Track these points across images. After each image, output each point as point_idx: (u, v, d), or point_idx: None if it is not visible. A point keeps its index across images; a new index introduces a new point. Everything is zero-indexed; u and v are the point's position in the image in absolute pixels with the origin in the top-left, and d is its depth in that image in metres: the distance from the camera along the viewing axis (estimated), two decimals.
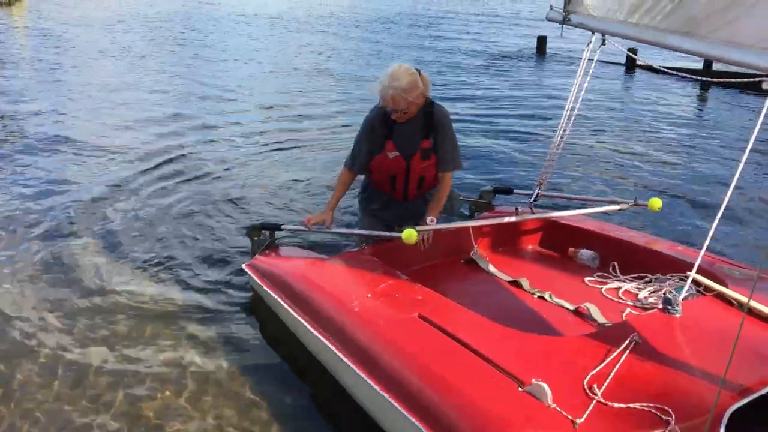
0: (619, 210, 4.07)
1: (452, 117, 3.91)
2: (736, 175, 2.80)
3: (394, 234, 3.57)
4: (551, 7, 3.99)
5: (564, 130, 4.13)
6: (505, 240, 4.09)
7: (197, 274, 4.70)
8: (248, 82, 12.26)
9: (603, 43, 3.78)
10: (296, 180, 6.81)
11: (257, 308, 4.16)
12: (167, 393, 3.42)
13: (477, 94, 11.10)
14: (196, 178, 6.84)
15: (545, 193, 4.32)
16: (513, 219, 3.95)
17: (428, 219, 3.70)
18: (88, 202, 6.02)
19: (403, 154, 3.76)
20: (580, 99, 4.02)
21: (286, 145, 8.17)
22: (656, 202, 3.93)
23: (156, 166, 7.12)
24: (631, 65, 13.69)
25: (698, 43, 2.96)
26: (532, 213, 4.15)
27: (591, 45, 3.84)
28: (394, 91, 3.56)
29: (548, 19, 4.02)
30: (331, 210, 3.93)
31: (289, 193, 6.44)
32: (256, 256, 4.09)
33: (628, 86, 12.46)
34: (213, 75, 12.93)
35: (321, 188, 6.55)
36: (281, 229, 4.15)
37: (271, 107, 10.24)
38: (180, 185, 6.59)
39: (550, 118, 9.56)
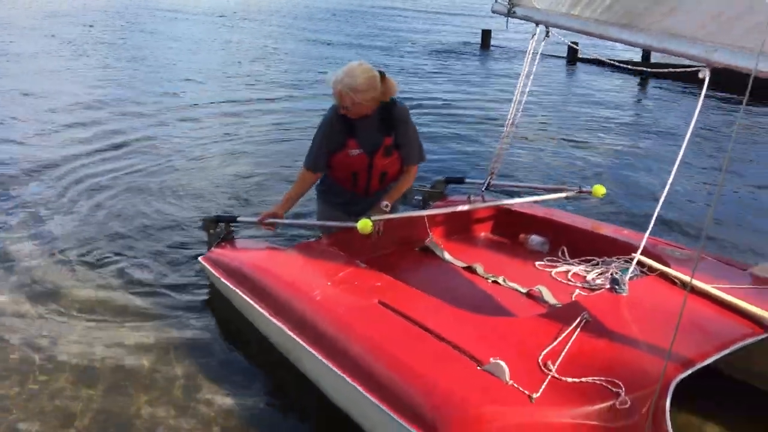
0: (566, 197, 4.20)
1: None
2: (677, 162, 2.97)
3: (349, 224, 3.63)
4: (496, 0, 4.07)
5: (512, 121, 4.25)
6: (459, 228, 4.19)
7: (148, 269, 4.67)
8: (194, 75, 12.10)
9: (547, 35, 3.87)
10: (246, 172, 6.81)
11: (214, 301, 4.17)
12: (124, 389, 3.41)
13: (424, 88, 11.21)
14: (142, 171, 6.78)
15: (495, 181, 4.44)
16: (466, 207, 4.06)
17: (383, 204, 3.76)
18: (24, 200, 5.88)
19: (365, 151, 3.76)
20: (527, 90, 4.14)
21: (233, 137, 8.15)
22: (600, 189, 4.08)
23: (99, 161, 7.02)
24: (572, 58, 14.01)
25: (637, 34, 3.08)
26: (484, 201, 4.28)
27: (536, 37, 3.94)
28: (343, 87, 3.54)
29: (493, 12, 4.09)
30: (285, 209, 3.92)
31: (240, 186, 6.44)
32: (212, 248, 4.10)
33: (571, 78, 12.77)
34: (157, 69, 12.73)
35: (272, 180, 6.58)
36: (237, 221, 4.17)
37: (216, 101, 10.15)
38: (126, 179, 6.52)
39: (496, 110, 9.75)
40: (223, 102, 10.08)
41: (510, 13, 3.94)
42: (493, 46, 16.07)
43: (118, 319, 4.05)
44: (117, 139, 7.85)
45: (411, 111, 3.88)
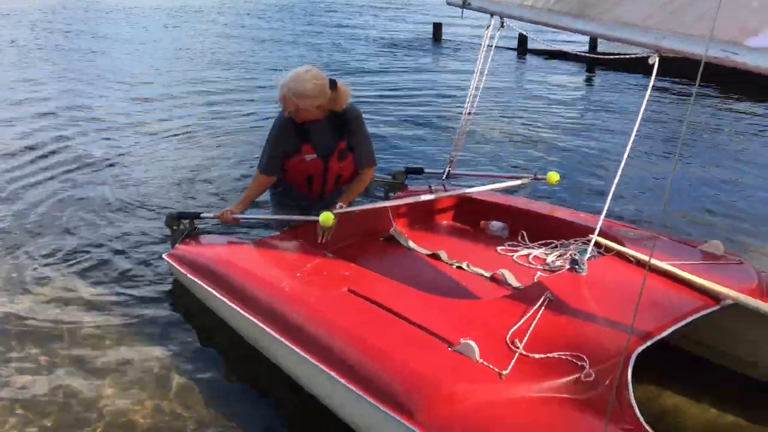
0: (521, 185, 4.32)
1: (354, 104, 4.00)
2: (628, 147, 3.11)
3: (311, 218, 3.68)
4: None
5: (469, 112, 4.35)
6: (421, 217, 4.27)
7: (110, 269, 4.61)
8: (144, 73, 11.91)
9: (502, 26, 3.95)
10: (202, 170, 6.76)
11: (180, 297, 4.16)
12: (93, 392, 3.39)
13: (377, 81, 11.25)
14: (93, 168, 6.71)
15: (455, 171, 4.53)
16: (428, 197, 4.15)
17: (337, 205, 3.78)
18: None
19: (320, 156, 3.79)
20: (483, 80, 4.23)
21: (187, 134, 8.06)
22: (554, 176, 4.20)
23: (49, 161, 6.92)
24: (523, 49, 14.23)
25: (590, 23, 3.17)
26: (445, 190, 4.38)
27: (490, 28, 4.02)
28: (288, 92, 3.54)
29: (449, 4, 4.15)
30: (242, 208, 3.93)
31: (196, 183, 6.39)
32: (177, 245, 4.10)
33: (522, 69, 12.96)
34: (106, 67, 12.48)
35: (227, 178, 6.56)
36: (201, 218, 4.17)
37: (168, 97, 10.01)
38: (77, 178, 6.43)
39: (450, 101, 9.87)
40: (176, 96, 10.00)
41: (465, 5, 4.00)
42: (444, 38, 16.20)
43: (82, 320, 4.01)
44: (62, 143, 7.67)
45: (364, 106, 3.92)
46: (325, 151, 3.79)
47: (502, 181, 4.40)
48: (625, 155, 3.10)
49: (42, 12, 21.57)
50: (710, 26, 2.54)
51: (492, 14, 3.91)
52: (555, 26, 3.43)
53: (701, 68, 2.11)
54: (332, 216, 3.51)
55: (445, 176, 4.44)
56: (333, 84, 3.67)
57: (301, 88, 3.53)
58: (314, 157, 3.78)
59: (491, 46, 4.05)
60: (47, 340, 3.81)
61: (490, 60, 4.12)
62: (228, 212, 3.89)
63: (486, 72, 4.16)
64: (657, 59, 2.86)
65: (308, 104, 3.57)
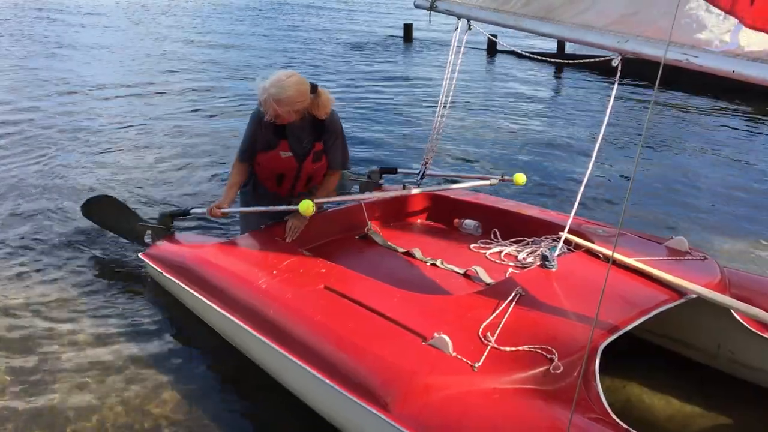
0: (490, 185, 4.40)
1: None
2: (596, 147, 3.21)
3: (292, 207, 3.70)
4: None
5: (441, 115, 4.41)
6: (396, 215, 4.34)
7: (82, 269, 4.61)
8: (109, 73, 11.85)
9: (469, 28, 4.00)
10: (170, 170, 6.79)
11: (157, 296, 4.17)
12: (71, 392, 3.40)
13: (349, 83, 11.31)
14: (56, 166, 6.74)
15: (430, 172, 4.59)
16: (411, 192, 4.21)
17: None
18: None
19: (295, 155, 3.82)
20: (454, 82, 4.30)
21: (153, 133, 8.10)
22: (520, 177, 4.30)
23: (18, 160, 6.90)
24: (491, 50, 14.38)
25: (555, 26, 3.27)
26: (420, 189, 4.46)
27: (458, 30, 4.05)
28: (268, 96, 3.53)
29: (416, 6, 4.19)
30: (229, 199, 3.92)
31: (167, 183, 6.41)
32: (153, 244, 4.11)
33: (491, 69, 13.13)
34: (71, 68, 12.37)
35: (198, 178, 6.61)
36: (190, 214, 4.20)
37: (135, 95, 10.04)
38: (39, 177, 6.44)
39: (421, 100, 9.99)
40: (143, 95, 9.94)
41: (432, 8, 4.05)
42: (415, 39, 16.31)
43: (53, 322, 4.01)
44: (22, 145, 7.63)
45: (336, 105, 3.93)
46: (301, 151, 3.83)
47: (471, 182, 4.48)
48: (593, 156, 3.22)
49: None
50: (667, 30, 2.68)
51: (459, 17, 3.97)
52: (521, 29, 3.50)
53: (660, 70, 2.21)
54: (312, 204, 3.52)
55: (420, 177, 4.51)
56: (314, 88, 3.69)
57: (282, 95, 3.53)
58: (290, 155, 3.81)
59: (460, 47, 4.12)
60: (18, 342, 3.81)
61: (459, 62, 4.19)
62: (215, 208, 3.88)
63: (456, 73, 4.22)
64: (620, 61, 2.97)
65: (288, 109, 3.58)
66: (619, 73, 2.99)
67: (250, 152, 3.87)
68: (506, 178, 4.35)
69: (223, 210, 3.87)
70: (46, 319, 4.03)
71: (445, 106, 4.29)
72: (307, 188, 4.05)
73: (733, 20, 2.57)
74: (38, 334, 3.87)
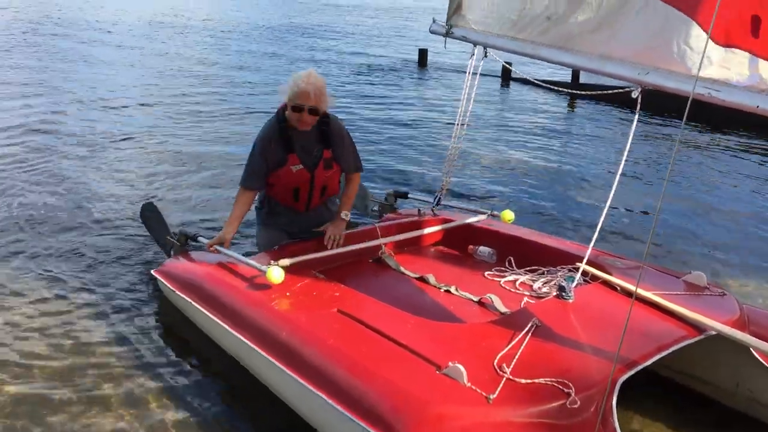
0: (479, 221, 4.40)
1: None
2: (616, 179, 3.19)
3: (263, 267, 3.46)
4: (434, 21, 4.20)
5: (456, 143, 4.40)
6: (410, 240, 4.30)
7: (96, 285, 4.59)
8: (129, 88, 11.94)
9: (485, 56, 3.99)
10: (183, 186, 6.81)
11: (168, 314, 4.14)
12: (79, 404, 3.37)
13: (363, 104, 11.33)
14: (69, 181, 6.72)
15: (445, 201, 4.60)
16: (425, 218, 4.21)
17: (342, 214, 3.94)
18: None
19: (306, 166, 3.85)
20: (469, 110, 4.28)
21: (165, 155, 8.09)
22: (508, 214, 4.33)
23: (31, 175, 6.90)
24: (506, 77, 14.41)
25: (574, 56, 3.27)
26: (434, 215, 4.45)
27: (474, 57, 4.04)
28: (314, 87, 3.68)
29: (432, 32, 4.21)
30: (231, 231, 3.91)
31: (185, 199, 6.42)
32: (166, 261, 4.09)
33: (505, 97, 13.14)
34: (92, 81, 12.48)
35: (207, 188, 6.66)
36: (197, 241, 4.18)
37: (154, 113, 10.08)
38: (60, 192, 6.43)
39: (435, 125, 10.00)
40: (162, 113, 10.01)
41: (448, 34, 4.07)
42: (429, 64, 16.39)
43: (65, 332, 3.99)
44: (42, 156, 7.68)
45: (350, 128, 4.01)
46: (311, 160, 3.87)
47: (469, 215, 4.48)
48: (614, 187, 3.20)
49: (20, 22, 21.45)
50: (692, 63, 2.66)
51: (475, 44, 3.96)
52: (539, 57, 3.49)
53: (689, 105, 2.19)
54: (281, 274, 3.36)
55: (435, 203, 4.51)
56: None
57: (317, 83, 3.71)
58: (300, 167, 3.84)
59: (475, 74, 4.11)
60: (31, 354, 3.79)
61: (475, 89, 4.17)
62: (215, 243, 3.86)
63: (471, 101, 4.22)
64: (639, 93, 2.94)
65: (321, 99, 3.71)
66: (639, 105, 2.98)
67: (259, 175, 3.88)
68: (495, 213, 4.40)
69: (215, 247, 3.84)
70: (52, 330, 4.00)
71: (460, 135, 4.29)
72: (323, 200, 4.07)
73: (745, 54, 2.54)
74: (44, 346, 3.85)
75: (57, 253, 5.08)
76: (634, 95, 2.97)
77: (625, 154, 3.25)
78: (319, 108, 3.73)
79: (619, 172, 3.23)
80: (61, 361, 3.72)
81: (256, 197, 4.13)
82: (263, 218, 4.20)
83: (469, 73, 4.13)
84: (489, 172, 7.83)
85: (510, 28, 3.63)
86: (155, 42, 18.89)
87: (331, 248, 3.86)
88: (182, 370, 3.68)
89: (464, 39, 3.99)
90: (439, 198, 4.50)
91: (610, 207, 3.27)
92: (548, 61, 3.53)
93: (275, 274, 3.33)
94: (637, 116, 3.13)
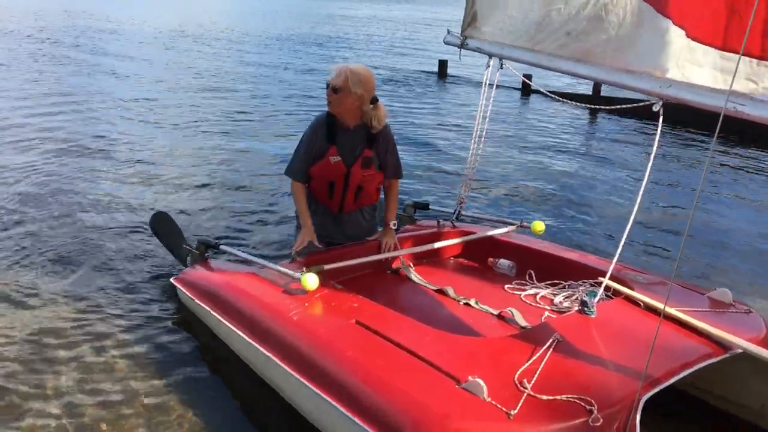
0: (506, 232, 4.36)
1: None
2: (641, 192, 3.15)
3: (296, 274, 3.48)
4: (448, 32, 4.18)
5: (475, 156, 4.38)
6: (429, 252, 4.27)
7: (113, 291, 4.61)
8: (146, 98, 12.05)
9: (501, 67, 3.97)
10: (201, 194, 6.85)
11: (187, 323, 4.14)
12: (91, 408, 3.37)
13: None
14: (81, 188, 6.80)
15: (465, 213, 4.60)
16: (444, 229, 4.22)
17: (391, 223, 4.04)
18: None
19: (344, 159, 3.89)
20: (487, 122, 4.26)
21: (193, 161, 8.17)
22: (539, 225, 4.29)
23: (48, 186, 6.94)
24: (526, 89, 14.37)
25: (591, 68, 3.22)
26: (453, 228, 4.42)
27: (490, 69, 4.05)
28: (349, 71, 3.76)
29: (446, 43, 4.20)
30: (310, 225, 3.93)
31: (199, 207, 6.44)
32: (186, 270, 4.10)
33: (525, 110, 13.09)
34: (110, 91, 12.62)
35: (221, 198, 6.70)
36: (218, 249, 4.18)
37: (172, 124, 10.17)
38: (78, 198, 6.50)
39: (454, 136, 10.00)
40: (180, 124, 10.08)
41: (463, 45, 4.04)
42: (449, 75, 16.40)
43: (84, 338, 3.99)
44: (67, 161, 7.80)
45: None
46: (350, 155, 3.90)
47: (496, 227, 4.43)
48: (638, 201, 3.16)
49: (37, 30, 21.70)
50: (722, 79, 2.62)
51: (490, 56, 3.92)
52: (556, 70, 3.44)
53: (720, 121, 2.15)
54: (316, 280, 3.37)
55: (455, 216, 4.49)
56: (374, 100, 3.86)
57: (362, 71, 3.78)
58: (338, 159, 3.88)
59: (492, 85, 4.08)
60: (49, 359, 3.80)
61: (492, 101, 4.15)
62: (299, 245, 3.90)
63: (489, 113, 4.20)
64: (661, 106, 2.89)
65: (363, 88, 3.76)
66: (661, 118, 2.93)
67: (302, 162, 3.93)
68: (524, 224, 4.36)
69: (302, 246, 3.87)
70: (69, 335, 4.02)
71: (478, 147, 4.27)
72: (356, 204, 4.08)
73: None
74: (61, 351, 3.86)
75: (68, 259, 5.11)
76: (655, 108, 2.92)
77: (649, 168, 3.20)
78: (336, 86, 3.77)
79: (643, 186, 3.18)
80: (77, 365, 3.73)
81: None
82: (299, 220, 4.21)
83: (485, 84, 4.11)
84: (511, 183, 7.79)
85: (527, 40, 3.58)
86: (174, 52, 19.07)
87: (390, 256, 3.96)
88: (199, 379, 3.67)
89: (479, 50, 3.95)
90: (459, 211, 4.48)
91: (634, 221, 3.22)
92: (566, 74, 3.49)
93: (310, 280, 3.34)
94: (659, 131, 3.08)
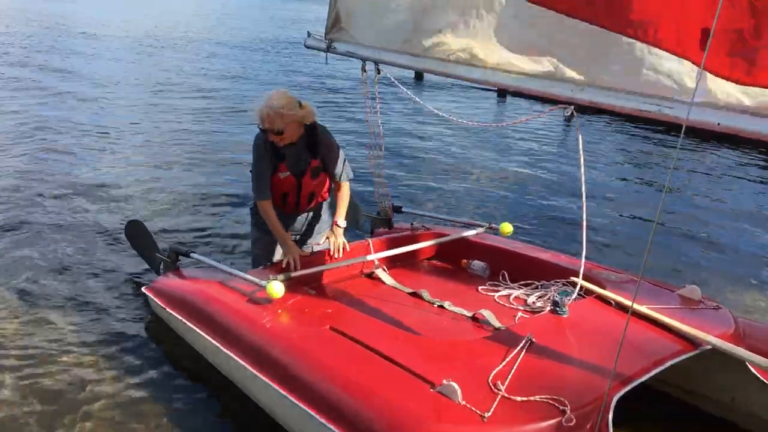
0: (476, 234, 4.37)
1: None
2: (583, 191, 3.18)
3: (262, 282, 3.46)
4: (309, 34, 3.88)
5: (377, 156, 4.44)
6: (403, 255, 4.27)
7: (85, 300, 4.56)
8: (113, 104, 11.93)
9: (378, 72, 3.72)
10: (172, 199, 6.80)
11: (159, 332, 4.10)
12: (66, 421, 3.33)
13: (357, 118, 11.33)
14: (67, 196, 6.70)
15: (414, 212, 4.73)
16: (418, 232, 4.22)
17: (339, 221, 3.93)
18: None
19: (294, 173, 3.88)
20: (381, 127, 4.24)
21: (156, 163, 8.12)
22: (507, 227, 4.31)
23: (22, 193, 6.83)
24: (502, 91, 14.41)
25: (485, 72, 2.96)
26: (426, 230, 4.42)
27: (366, 74, 3.78)
28: (269, 109, 3.64)
29: (307, 47, 3.91)
30: (292, 243, 3.91)
31: (176, 213, 6.38)
32: (157, 279, 4.06)
33: (501, 112, 13.16)
34: (81, 95, 12.46)
35: (195, 205, 6.66)
36: (189, 256, 4.14)
37: (143, 129, 10.07)
38: (48, 210, 6.37)
39: (429, 140, 9.98)
40: (152, 130, 9.99)
41: (329, 49, 3.73)
42: (426, 77, 16.41)
43: (55, 349, 3.94)
44: (40, 165, 7.68)
45: (342, 142, 3.97)
46: (298, 169, 3.89)
47: (464, 229, 4.45)
48: (584, 199, 3.23)
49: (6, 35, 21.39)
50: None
51: (364, 60, 3.62)
52: (442, 74, 3.16)
53: (684, 127, 2.15)
54: (282, 288, 3.34)
55: (388, 224, 4.60)
56: (299, 103, 3.79)
57: (278, 104, 3.64)
58: (288, 174, 3.88)
59: (374, 99, 3.90)
60: (21, 368, 3.74)
61: (378, 106, 4.04)
62: (293, 264, 3.80)
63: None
64: (572, 110, 2.80)
65: (288, 119, 3.67)
66: (578, 124, 2.92)
67: (267, 182, 3.89)
68: (493, 226, 4.37)
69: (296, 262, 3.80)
70: (40, 347, 3.96)
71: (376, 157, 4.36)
72: (310, 206, 4.11)
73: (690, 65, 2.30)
74: (32, 363, 3.80)
75: (43, 267, 5.04)
76: (566, 113, 2.82)
77: (582, 169, 3.21)
78: (275, 129, 3.69)
79: (583, 187, 3.21)
80: (48, 379, 3.68)
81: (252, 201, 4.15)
82: (256, 219, 4.19)
83: (366, 94, 3.93)
84: (484, 185, 7.83)
85: (404, 40, 3.23)
86: (154, 56, 18.89)
87: (338, 256, 3.85)
88: (172, 387, 3.64)
89: (350, 55, 3.64)
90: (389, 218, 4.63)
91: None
92: (455, 78, 3.16)
93: (276, 288, 3.31)
94: (580, 138, 3.08)
